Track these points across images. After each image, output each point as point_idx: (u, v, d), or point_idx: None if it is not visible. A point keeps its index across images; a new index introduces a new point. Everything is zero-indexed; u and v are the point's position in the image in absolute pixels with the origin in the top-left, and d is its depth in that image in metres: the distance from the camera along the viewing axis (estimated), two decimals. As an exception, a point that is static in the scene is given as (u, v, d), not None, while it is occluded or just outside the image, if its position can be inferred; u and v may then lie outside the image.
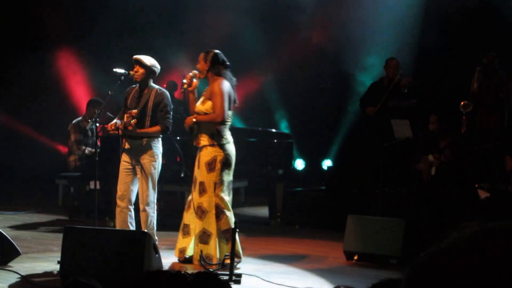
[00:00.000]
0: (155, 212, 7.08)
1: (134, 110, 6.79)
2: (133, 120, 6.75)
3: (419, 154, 7.74)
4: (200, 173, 6.53)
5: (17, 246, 6.22)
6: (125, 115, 6.83)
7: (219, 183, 6.49)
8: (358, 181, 9.47)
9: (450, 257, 1.08)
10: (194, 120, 6.52)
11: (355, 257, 7.02)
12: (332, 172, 10.12)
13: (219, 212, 6.47)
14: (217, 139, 6.52)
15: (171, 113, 7.05)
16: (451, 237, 1.11)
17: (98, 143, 8.69)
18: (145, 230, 6.86)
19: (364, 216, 7.43)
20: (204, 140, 6.53)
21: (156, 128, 6.93)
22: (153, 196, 6.99)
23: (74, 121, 9.90)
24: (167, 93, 7.14)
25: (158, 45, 11.27)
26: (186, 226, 6.62)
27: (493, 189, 8.61)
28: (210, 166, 6.49)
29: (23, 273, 5.79)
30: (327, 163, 12.07)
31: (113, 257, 5.47)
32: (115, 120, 7.10)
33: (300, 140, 11.34)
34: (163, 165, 7.21)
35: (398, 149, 8.88)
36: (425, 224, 7.62)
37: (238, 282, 5.78)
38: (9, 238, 6.18)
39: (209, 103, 6.50)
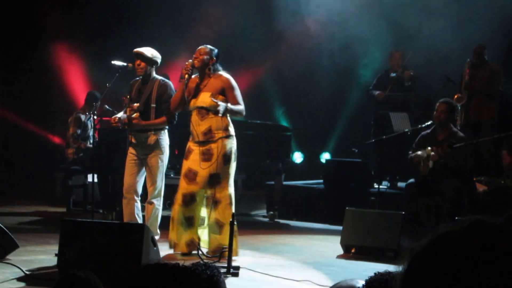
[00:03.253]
0: (161, 205, 7.10)
1: (135, 104, 6.78)
2: (135, 114, 6.74)
3: (417, 147, 7.74)
4: (211, 166, 6.45)
5: (15, 239, 6.22)
6: (128, 109, 6.81)
7: (231, 174, 6.55)
8: (356, 174, 9.48)
9: (446, 247, 1.08)
10: (228, 108, 6.35)
11: (353, 250, 7.03)
12: (331, 165, 10.12)
13: (230, 203, 6.53)
14: (230, 131, 6.55)
15: None
16: (446, 228, 1.12)
17: (96, 136, 8.71)
18: (149, 221, 6.90)
19: (361, 209, 7.44)
20: (219, 133, 6.49)
21: (162, 119, 6.93)
22: (160, 189, 7.01)
23: (74, 114, 9.90)
24: (171, 83, 7.13)
25: (156, 37, 11.24)
26: (191, 218, 6.58)
27: (491, 183, 8.63)
28: (227, 157, 6.49)
29: (21, 266, 5.79)
30: (325, 156, 12.09)
31: (111, 250, 5.47)
32: (120, 114, 7.08)
33: (298, 133, 11.34)
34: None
35: (397, 142, 8.89)
36: (423, 217, 7.64)
37: (236, 274, 5.79)
38: (7, 231, 6.18)
39: (221, 97, 6.46)
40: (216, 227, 6.47)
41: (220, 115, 6.31)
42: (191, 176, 6.53)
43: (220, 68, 6.65)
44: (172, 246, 6.65)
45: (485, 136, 8.62)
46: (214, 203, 6.50)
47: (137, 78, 7.14)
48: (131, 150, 7.03)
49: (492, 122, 9.31)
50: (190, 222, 6.60)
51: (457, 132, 7.75)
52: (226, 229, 6.24)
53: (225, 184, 6.50)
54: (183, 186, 6.57)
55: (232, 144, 6.56)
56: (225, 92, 6.50)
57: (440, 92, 9.20)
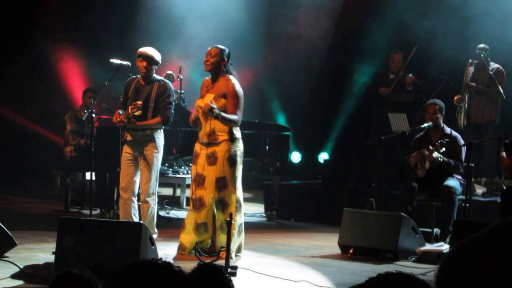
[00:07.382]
0: (156, 204, 7.08)
1: (139, 102, 6.76)
2: (138, 112, 6.71)
3: (414, 149, 7.74)
4: (217, 169, 6.42)
5: (13, 237, 6.20)
6: (130, 106, 6.77)
7: (238, 177, 6.50)
8: (354, 175, 9.47)
9: (486, 242, 1.08)
10: (220, 115, 6.26)
11: (350, 251, 7.02)
12: (329, 165, 10.11)
13: (239, 206, 6.50)
14: (235, 134, 6.51)
15: (173, 104, 7.05)
16: (488, 227, 1.12)
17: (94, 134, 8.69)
18: (145, 221, 6.87)
19: (360, 210, 7.42)
20: (222, 135, 6.44)
21: (157, 120, 6.90)
22: (155, 188, 6.98)
23: (71, 111, 9.89)
24: (170, 84, 7.14)
25: (155, 36, 11.22)
26: (203, 224, 6.50)
27: (490, 184, 8.62)
28: (232, 161, 6.44)
29: (19, 264, 5.79)
30: (323, 156, 12.07)
31: (109, 249, 5.46)
32: (121, 111, 7.05)
33: (296, 133, 11.32)
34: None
35: (395, 143, 8.89)
36: (420, 219, 7.62)
37: (233, 274, 5.78)
38: (5, 228, 6.16)
39: (223, 101, 6.41)
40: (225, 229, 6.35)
41: (212, 116, 6.27)
42: (200, 180, 6.50)
43: (231, 69, 6.59)
44: (182, 249, 6.57)
45: (487, 138, 8.61)
46: (222, 207, 6.46)
47: (134, 76, 7.13)
48: (126, 149, 7.00)
49: (494, 124, 9.30)
50: (205, 228, 6.52)
51: (451, 133, 7.76)
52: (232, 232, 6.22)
53: (232, 187, 6.46)
54: (193, 191, 6.55)
55: (237, 147, 6.50)
56: (226, 97, 6.46)
57: (437, 93, 9.21)
